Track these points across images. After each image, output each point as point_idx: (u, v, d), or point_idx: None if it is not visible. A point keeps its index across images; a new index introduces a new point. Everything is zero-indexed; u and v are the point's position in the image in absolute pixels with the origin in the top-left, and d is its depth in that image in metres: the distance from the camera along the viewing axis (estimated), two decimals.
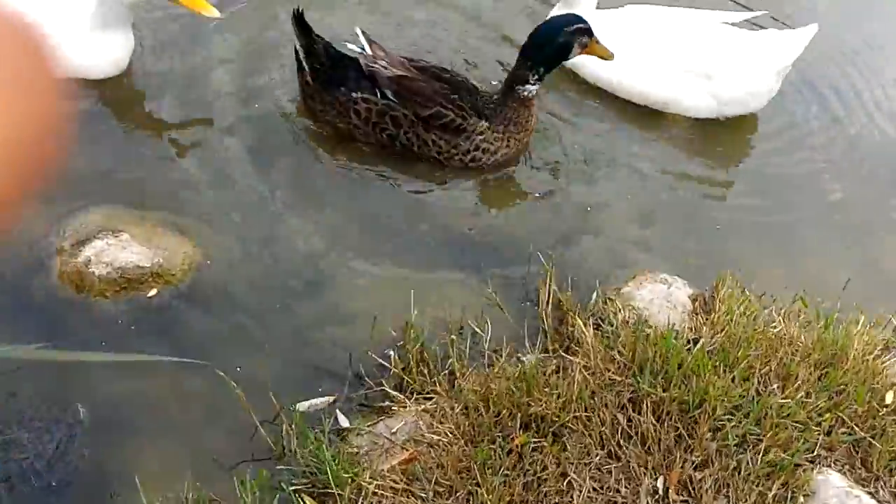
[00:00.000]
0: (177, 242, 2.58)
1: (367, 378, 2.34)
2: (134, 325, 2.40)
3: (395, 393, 2.27)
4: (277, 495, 2.04)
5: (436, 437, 2.12)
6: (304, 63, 2.86)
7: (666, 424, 2.12)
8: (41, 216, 2.54)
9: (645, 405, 2.13)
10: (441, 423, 2.15)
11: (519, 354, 2.40)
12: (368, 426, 2.21)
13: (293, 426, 2.17)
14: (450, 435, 2.12)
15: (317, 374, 2.36)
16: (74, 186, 2.60)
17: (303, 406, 2.25)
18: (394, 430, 2.17)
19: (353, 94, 2.82)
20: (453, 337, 2.38)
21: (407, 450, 2.12)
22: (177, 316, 2.44)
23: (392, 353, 2.37)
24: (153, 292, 2.46)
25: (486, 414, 2.14)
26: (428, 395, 2.25)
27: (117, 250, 2.47)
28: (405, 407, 2.24)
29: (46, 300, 2.43)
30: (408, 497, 2.00)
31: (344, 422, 2.25)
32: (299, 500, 2.01)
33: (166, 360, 2.27)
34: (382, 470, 2.06)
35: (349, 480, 2.00)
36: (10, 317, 2.38)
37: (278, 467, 2.11)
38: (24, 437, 2.12)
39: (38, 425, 2.15)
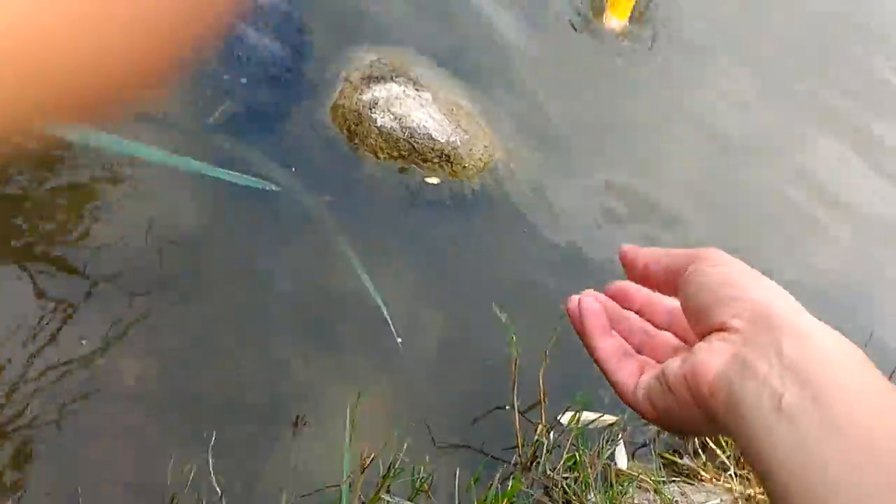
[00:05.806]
0: (482, 132, 1.95)
1: None
2: (398, 209, 1.79)
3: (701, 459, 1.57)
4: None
5: None
6: None
7: None
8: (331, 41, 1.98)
9: None
10: None
11: None
12: (654, 480, 1.52)
13: (550, 433, 1.52)
14: None
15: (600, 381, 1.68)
16: (380, 19, 2.02)
17: (566, 417, 1.59)
18: None
19: None
20: None
21: None
22: (453, 222, 1.81)
23: None
24: (434, 180, 1.85)
25: None
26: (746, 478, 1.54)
27: (413, 105, 1.87)
28: (716, 480, 1.53)
29: (305, 131, 1.85)
30: None
31: (622, 460, 1.57)
32: None
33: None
34: None
35: None
36: (260, 130, 1.81)
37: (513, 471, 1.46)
38: None
39: None
